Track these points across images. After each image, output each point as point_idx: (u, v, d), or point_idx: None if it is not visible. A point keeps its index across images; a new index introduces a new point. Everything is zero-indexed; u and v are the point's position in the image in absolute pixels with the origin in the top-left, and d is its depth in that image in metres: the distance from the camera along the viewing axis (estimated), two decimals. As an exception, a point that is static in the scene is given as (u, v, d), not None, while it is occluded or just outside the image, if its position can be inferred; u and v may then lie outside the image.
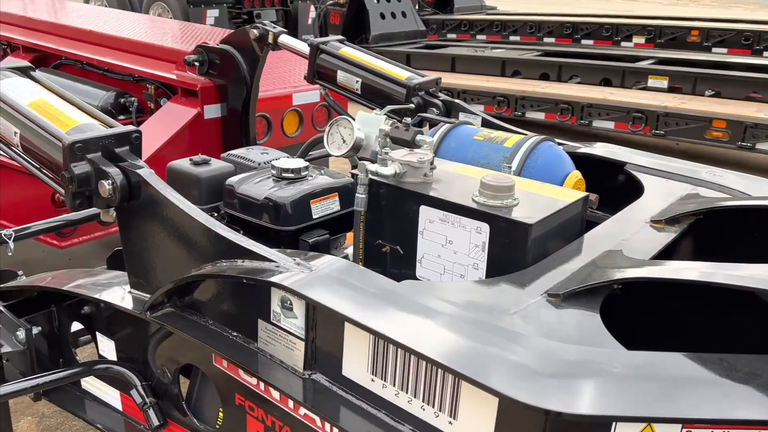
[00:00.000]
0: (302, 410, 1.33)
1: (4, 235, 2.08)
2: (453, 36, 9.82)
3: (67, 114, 1.72)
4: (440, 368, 1.13)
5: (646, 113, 6.15)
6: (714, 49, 8.08)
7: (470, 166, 1.92)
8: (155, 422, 1.67)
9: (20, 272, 2.11)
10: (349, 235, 1.98)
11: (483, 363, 1.10)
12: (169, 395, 1.71)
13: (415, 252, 1.69)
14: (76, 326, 1.98)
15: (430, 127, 2.25)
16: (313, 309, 1.33)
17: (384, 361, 1.23)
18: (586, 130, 6.63)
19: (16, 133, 1.75)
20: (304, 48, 2.79)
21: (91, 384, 1.96)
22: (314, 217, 1.97)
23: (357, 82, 2.64)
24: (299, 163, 2.06)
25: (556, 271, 1.42)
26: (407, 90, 2.53)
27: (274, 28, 2.91)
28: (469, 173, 1.80)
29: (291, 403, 1.34)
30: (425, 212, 1.65)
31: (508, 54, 8.12)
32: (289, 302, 1.36)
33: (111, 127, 1.69)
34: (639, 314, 1.58)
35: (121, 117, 3.82)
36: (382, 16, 8.96)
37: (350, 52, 2.73)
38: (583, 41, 8.92)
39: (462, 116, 2.48)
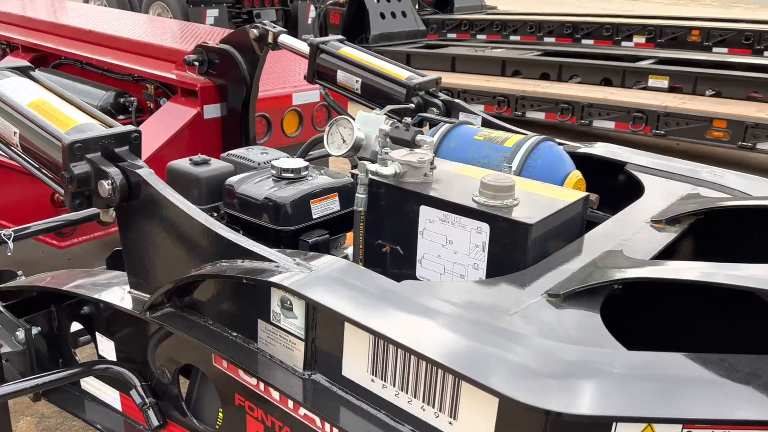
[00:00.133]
0: (302, 410, 1.32)
1: (4, 235, 2.08)
2: (453, 36, 9.82)
3: (67, 114, 1.72)
4: (440, 368, 1.13)
5: (646, 113, 6.14)
6: (714, 49, 8.08)
7: (470, 166, 1.91)
8: (155, 422, 1.67)
9: (20, 272, 2.11)
10: (349, 235, 1.98)
11: (483, 363, 1.10)
12: (169, 395, 1.71)
13: (415, 252, 1.69)
14: (75, 326, 1.98)
15: (430, 127, 2.25)
16: (313, 309, 1.33)
17: (384, 361, 1.22)
18: (586, 130, 6.63)
19: (15, 132, 1.75)
20: (304, 48, 2.78)
21: (90, 384, 1.95)
22: (314, 217, 1.97)
23: (357, 81, 2.64)
24: (299, 163, 2.06)
25: (557, 271, 1.42)
26: (407, 90, 2.52)
27: (274, 27, 2.91)
28: (469, 173, 1.79)
29: (291, 404, 1.34)
30: (425, 212, 1.64)
31: (508, 54, 8.11)
32: (288, 302, 1.36)
33: (110, 126, 1.69)
34: (639, 314, 1.58)
35: (121, 117, 3.81)
36: (382, 16, 8.96)
37: (350, 51, 2.72)
38: (584, 41, 8.92)
39: (462, 116, 2.48)
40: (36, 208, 3.01)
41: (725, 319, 1.57)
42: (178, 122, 3.28)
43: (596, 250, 1.53)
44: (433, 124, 2.29)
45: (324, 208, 1.99)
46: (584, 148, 2.21)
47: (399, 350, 1.19)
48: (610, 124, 6.41)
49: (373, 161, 1.79)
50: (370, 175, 1.71)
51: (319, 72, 2.78)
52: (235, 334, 1.50)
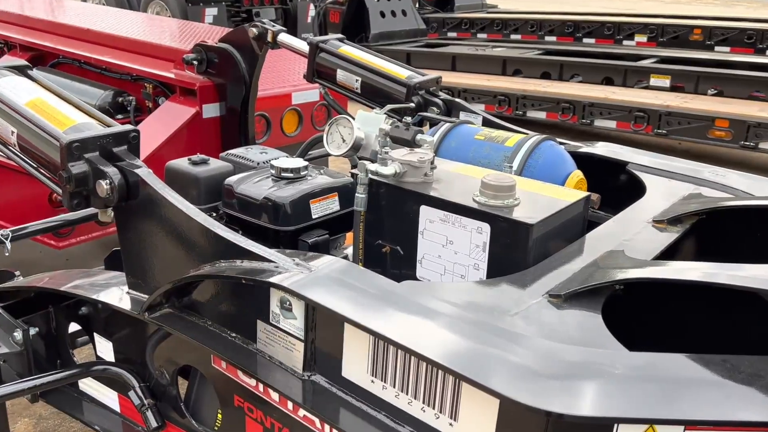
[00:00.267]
0: (302, 412, 1.32)
1: (1, 235, 2.07)
2: (453, 34, 9.82)
3: (65, 113, 1.72)
4: (441, 369, 1.13)
5: (648, 112, 6.13)
6: (717, 48, 8.08)
7: (471, 165, 1.91)
8: (153, 424, 1.66)
9: (17, 273, 2.10)
10: (349, 236, 1.98)
11: (484, 364, 1.09)
12: (168, 397, 1.70)
13: (416, 252, 1.68)
14: (73, 327, 1.97)
15: (431, 127, 2.25)
16: (313, 310, 1.32)
17: (384, 362, 1.22)
18: (587, 130, 6.62)
19: (13, 132, 1.74)
20: (304, 47, 2.78)
21: (88, 385, 1.95)
22: (314, 217, 1.96)
23: (357, 80, 2.63)
24: (298, 162, 2.05)
25: (558, 272, 1.42)
26: (407, 89, 2.52)
27: (273, 26, 2.90)
28: (469, 173, 1.79)
29: (290, 405, 1.34)
30: (425, 212, 1.64)
31: (509, 53, 8.10)
32: (288, 303, 1.35)
33: (109, 126, 1.68)
34: (641, 315, 1.57)
35: (119, 116, 3.80)
36: (382, 15, 8.96)
37: (350, 50, 2.72)
38: (585, 40, 8.91)
39: (463, 115, 2.47)
40: (34, 208, 3.00)
41: (727, 319, 1.56)
42: (176, 122, 3.27)
43: (597, 251, 1.52)
44: (433, 123, 2.28)
45: (323, 208, 1.98)
46: (585, 148, 2.21)
47: (399, 351, 1.19)
48: (611, 124, 6.40)
49: (373, 161, 1.78)
50: (370, 175, 1.71)
51: (318, 71, 2.77)
52: (234, 334, 1.50)
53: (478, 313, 1.24)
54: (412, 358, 1.17)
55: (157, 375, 1.71)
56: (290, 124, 3.69)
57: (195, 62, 3.23)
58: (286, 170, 2.00)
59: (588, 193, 1.71)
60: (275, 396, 1.36)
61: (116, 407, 1.89)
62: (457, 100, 2.57)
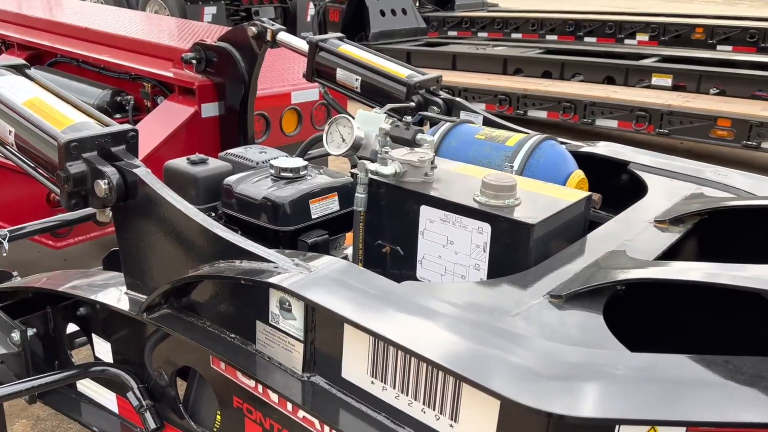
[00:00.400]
0: (301, 413, 1.31)
1: (-1, 235, 2.07)
2: (454, 33, 9.81)
3: (63, 112, 1.71)
4: (441, 370, 1.12)
5: (649, 112, 6.12)
6: (719, 47, 8.06)
7: (471, 165, 1.90)
8: (152, 425, 1.66)
9: (15, 273, 2.10)
10: (349, 236, 1.97)
11: (484, 365, 1.09)
12: (166, 398, 1.70)
13: (416, 252, 1.67)
14: (71, 328, 1.97)
15: (431, 126, 2.24)
16: (312, 310, 1.32)
17: (384, 363, 1.21)
18: (589, 129, 6.61)
19: (10, 131, 1.74)
20: (303, 45, 2.77)
21: (86, 386, 1.94)
22: (313, 217, 1.95)
23: (356, 80, 2.63)
24: (298, 162, 2.04)
25: (559, 272, 1.41)
26: (407, 88, 2.51)
27: (273, 25, 2.89)
28: (470, 173, 1.78)
29: (290, 406, 1.33)
30: (426, 212, 1.63)
31: (510, 52, 8.09)
32: (287, 303, 1.35)
33: (107, 125, 1.68)
34: (642, 315, 1.57)
35: (118, 115, 3.79)
36: (382, 13, 8.95)
37: (350, 49, 2.71)
38: (586, 39, 8.89)
39: (463, 115, 2.46)
40: (32, 208, 2.99)
41: (729, 320, 1.55)
42: (175, 121, 3.27)
43: (599, 251, 1.52)
44: (433, 123, 2.28)
45: (323, 208, 1.98)
46: (587, 148, 2.20)
47: (399, 352, 1.18)
48: (612, 123, 6.39)
49: (372, 160, 1.77)
50: (369, 175, 1.70)
51: (318, 70, 2.76)
52: (233, 335, 1.49)
53: (478, 314, 1.23)
54: (413, 358, 1.16)
55: (155, 376, 1.70)
56: (290, 123, 3.68)
57: (194, 61, 3.22)
58: (285, 170, 1.99)
59: (589, 193, 1.70)
60: (275, 397, 1.36)
61: (114, 408, 1.88)
62: (458, 99, 2.57)
